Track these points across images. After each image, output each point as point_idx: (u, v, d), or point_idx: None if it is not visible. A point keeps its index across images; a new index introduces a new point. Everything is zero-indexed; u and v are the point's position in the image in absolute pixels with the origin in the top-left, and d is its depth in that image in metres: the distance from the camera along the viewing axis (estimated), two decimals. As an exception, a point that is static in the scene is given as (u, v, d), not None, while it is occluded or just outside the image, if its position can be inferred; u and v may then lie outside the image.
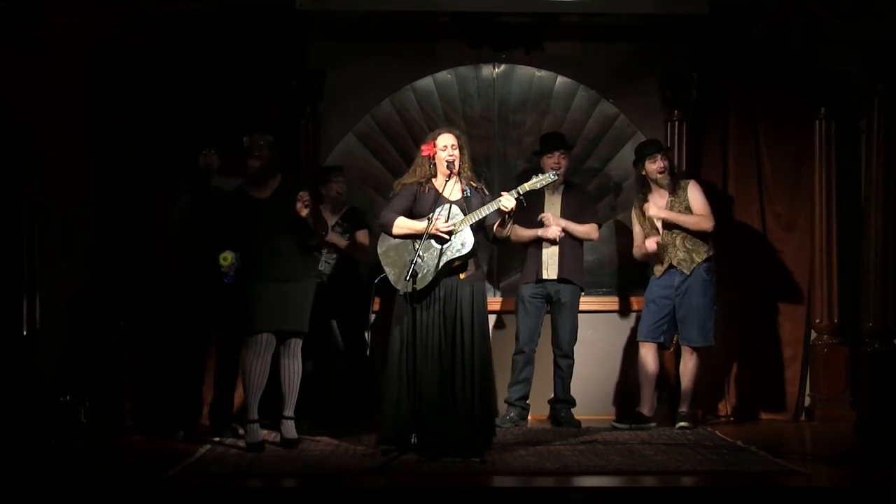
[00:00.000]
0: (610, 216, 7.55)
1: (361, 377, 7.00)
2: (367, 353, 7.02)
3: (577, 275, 6.98)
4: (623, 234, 7.51)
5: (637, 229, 7.05)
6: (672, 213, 6.83)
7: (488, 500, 5.32)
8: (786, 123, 7.41)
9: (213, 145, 6.62)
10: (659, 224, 6.90)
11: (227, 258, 6.12)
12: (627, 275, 7.53)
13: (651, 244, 6.89)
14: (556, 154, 6.93)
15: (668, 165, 6.91)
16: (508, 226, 5.91)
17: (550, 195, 6.99)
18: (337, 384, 7.13)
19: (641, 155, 6.95)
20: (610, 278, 7.57)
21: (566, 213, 6.98)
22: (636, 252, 7.06)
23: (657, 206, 6.90)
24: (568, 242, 6.96)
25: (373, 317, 7.06)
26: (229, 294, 6.25)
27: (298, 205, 5.99)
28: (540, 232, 6.93)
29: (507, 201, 5.74)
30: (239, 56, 7.18)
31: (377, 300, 7.04)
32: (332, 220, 6.92)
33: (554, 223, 6.90)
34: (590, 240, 7.08)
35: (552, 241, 6.92)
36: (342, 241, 6.93)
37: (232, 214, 6.19)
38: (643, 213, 6.97)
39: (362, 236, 6.98)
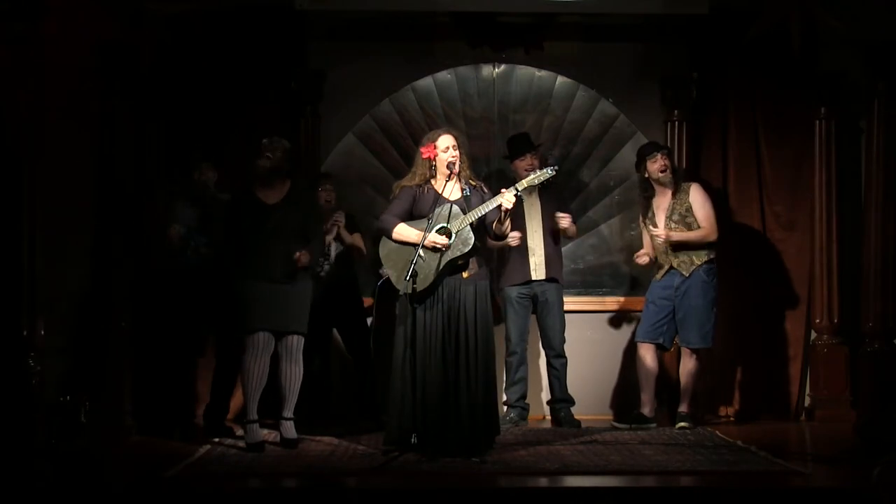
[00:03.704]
0: (611, 216, 7.55)
1: (364, 380, 6.99)
2: (371, 356, 7.01)
3: (559, 272, 7.04)
4: (624, 235, 7.53)
5: (645, 233, 7.06)
6: (677, 233, 6.82)
7: (488, 500, 5.32)
8: (786, 123, 7.41)
9: (209, 159, 6.66)
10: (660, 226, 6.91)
11: (175, 228, 6.16)
12: (628, 275, 7.54)
13: (642, 260, 6.96)
14: (528, 156, 6.93)
15: (668, 165, 6.91)
16: (507, 223, 5.91)
17: (529, 196, 6.98)
18: (343, 387, 7.15)
19: (642, 155, 6.96)
20: (611, 279, 7.58)
21: (547, 213, 6.97)
22: (635, 261, 7.07)
23: (661, 208, 6.91)
24: (551, 243, 6.99)
25: (370, 320, 7.05)
26: (222, 295, 6.31)
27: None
28: (511, 241, 6.70)
29: (507, 198, 5.75)
30: (239, 56, 7.19)
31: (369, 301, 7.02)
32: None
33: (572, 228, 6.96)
34: (572, 237, 7.14)
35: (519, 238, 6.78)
36: (351, 239, 6.89)
37: (237, 215, 6.20)
38: (645, 217, 6.98)
39: (357, 240, 6.96)
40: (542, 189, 6.98)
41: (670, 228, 6.87)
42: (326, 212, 6.91)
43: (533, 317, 7.08)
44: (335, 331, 7.11)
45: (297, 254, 6.06)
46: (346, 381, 7.18)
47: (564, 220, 6.90)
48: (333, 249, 6.88)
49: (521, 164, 6.90)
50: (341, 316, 6.96)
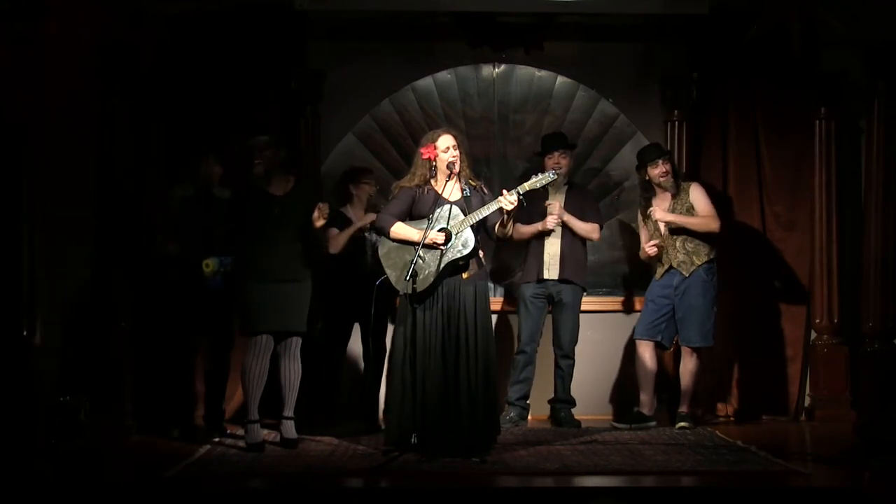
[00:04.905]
0: (610, 216, 7.55)
1: (367, 381, 6.97)
2: (381, 355, 6.98)
3: (578, 275, 6.99)
4: (624, 235, 7.53)
5: (643, 232, 7.06)
6: (677, 216, 6.83)
7: (488, 500, 5.32)
8: (786, 123, 7.41)
9: (215, 153, 6.64)
10: (662, 226, 6.91)
11: (210, 265, 6.23)
12: (628, 275, 7.54)
13: (651, 250, 6.91)
14: (556, 154, 6.94)
15: (670, 169, 6.92)
16: (509, 225, 5.91)
17: (553, 195, 6.99)
18: (346, 386, 7.13)
19: (643, 160, 6.97)
20: (610, 278, 7.58)
21: (570, 213, 6.98)
22: (642, 255, 7.06)
23: (661, 209, 6.92)
24: (569, 242, 6.96)
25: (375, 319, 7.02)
26: (214, 298, 6.34)
27: (316, 214, 5.98)
28: (539, 225, 6.91)
29: (508, 201, 5.74)
30: (239, 56, 7.18)
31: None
32: (366, 221, 6.87)
33: (558, 213, 6.89)
34: (590, 239, 7.09)
35: (548, 233, 6.90)
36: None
37: (241, 210, 6.18)
38: (647, 217, 6.98)
39: None
40: (569, 189, 7.01)
41: (670, 228, 6.87)
42: (369, 205, 6.94)
43: (548, 317, 7.08)
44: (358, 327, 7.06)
45: (318, 206, 5.99)
46: (350, 380, 7.16)
47: (549, 221, 6.89)
48: (369, 242, 6.86)
49: (549, 161, 6.91)
50: (364, 311, 6.88)
